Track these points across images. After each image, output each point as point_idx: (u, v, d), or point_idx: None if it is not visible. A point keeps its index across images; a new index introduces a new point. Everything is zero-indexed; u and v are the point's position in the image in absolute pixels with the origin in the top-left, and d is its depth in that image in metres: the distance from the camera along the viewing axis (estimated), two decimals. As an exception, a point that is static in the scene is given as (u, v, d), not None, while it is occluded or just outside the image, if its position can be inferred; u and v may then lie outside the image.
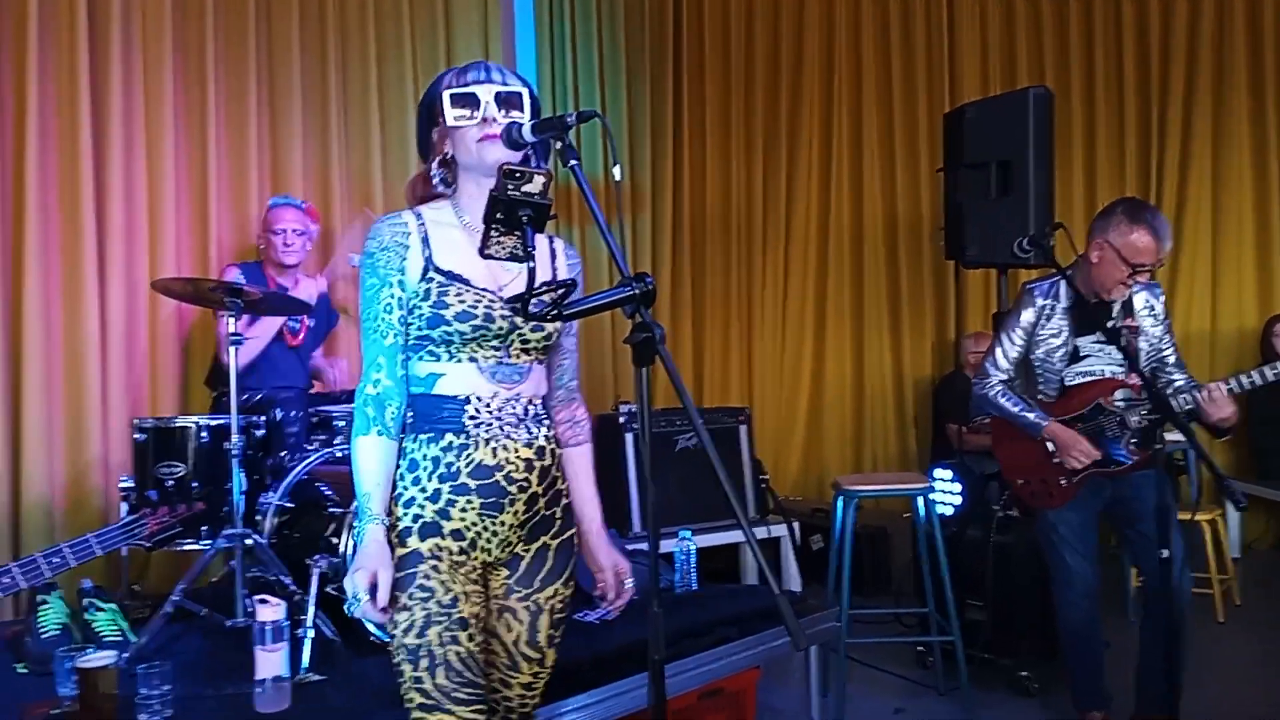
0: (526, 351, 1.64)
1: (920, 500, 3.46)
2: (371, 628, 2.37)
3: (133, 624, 2.78)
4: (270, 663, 2.24)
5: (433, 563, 1.57)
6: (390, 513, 1.59)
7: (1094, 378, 2.92)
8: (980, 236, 3.97)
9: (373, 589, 1.52)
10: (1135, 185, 5.86)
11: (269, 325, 3.54)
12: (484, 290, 1.61)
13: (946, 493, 4.37)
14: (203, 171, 3.82)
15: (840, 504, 3.48)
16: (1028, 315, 2.95)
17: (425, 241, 1.61)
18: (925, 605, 3.55)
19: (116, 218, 3.58)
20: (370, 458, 1.58)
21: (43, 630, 2.58)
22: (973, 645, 3.51)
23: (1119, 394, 2.88)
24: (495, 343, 1.61)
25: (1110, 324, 2.87)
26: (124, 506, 3.01)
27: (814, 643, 3.05)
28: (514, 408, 1.62)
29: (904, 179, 5.83)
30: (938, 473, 4.44)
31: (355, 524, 1.60)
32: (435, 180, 1.67)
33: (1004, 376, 2.99)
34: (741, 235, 5.65)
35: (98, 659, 2.13)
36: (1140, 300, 2.94)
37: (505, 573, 1.67)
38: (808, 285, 5.78)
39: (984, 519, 3.65)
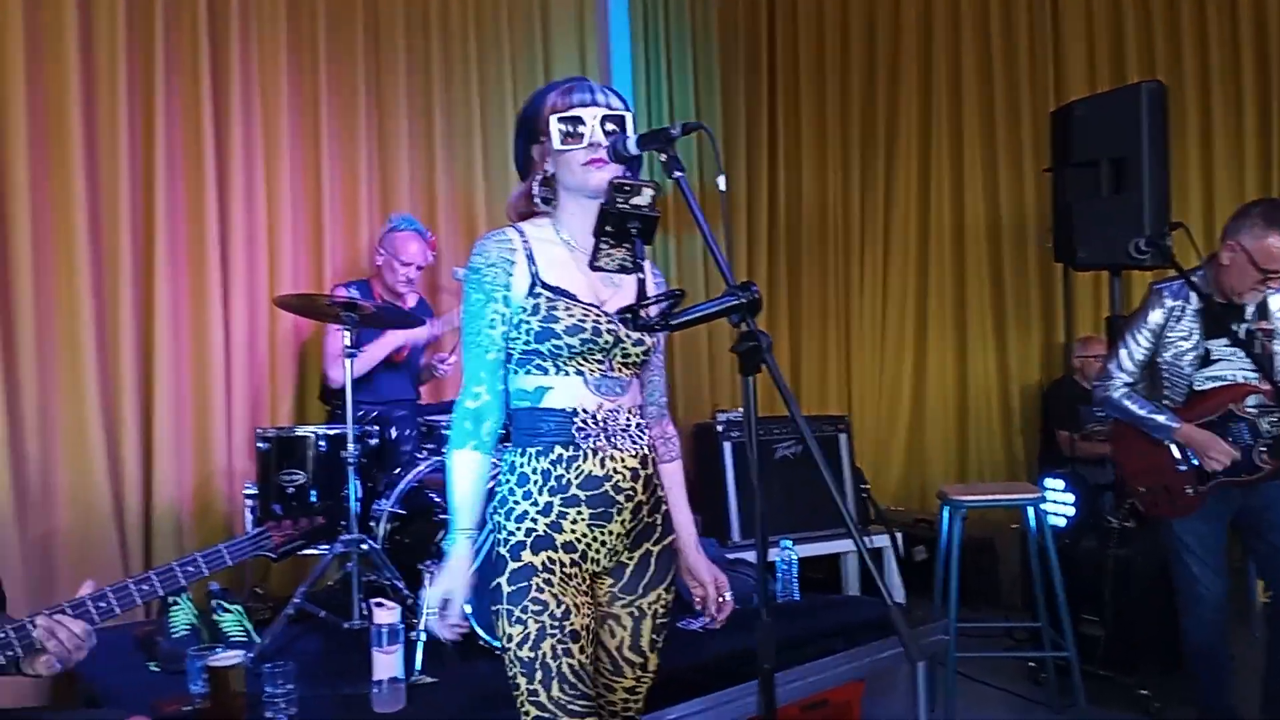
0: (627, 365, 1.68)
1: (1031, 511, 3.37)
2: (481, 633, 2.42)
3: (256, 625, 2.90)
4: (386, 664, 2.31)
5: (545, 575, 1.60)
6: (501, 527, 1.63)
7: (1224, 383, 2.79)
8: (1091, 238, 3.83)
9: (446, 604, 1.58)
10: (1255, 181, 5.56)
11: (382, 346, 3.59)
12: (590, 305, 1.65)
13: (1058, 503, 4.24)
14: (316, 191, 3.97)
15: (947, 514, 3.41)
16: (1156, 316, 2.84)
17: (530, 258, 1.65)
18: (1036, 619, 3.44)
19: (238, 237, 3.75)
20: (464, 473, 1.63)
21: (174, 630, 2.71)
22: (1089, 661, 3.40)
23: (1250, 400, 2.75)
24: (600, 356, 1.64)
25: (1243, 327, 2.75)
26: (249, 517, 3.15)
27: (923, 656, 2.99)
28: (617, 419, 1.65)
29: (1007, 179, 5.65)
30: (1049, 482, 4.31)
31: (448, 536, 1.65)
32: (537, 198, 1.71)
33: (1128, 379, 2.88)
34: (839, 240, 5.58)
35: (227, 658, 2.24)
36: (1276, 302, 2.80)
37: (610, 580, 1.70)
38: (908, 290, 5.66)
39: (1099, 530, 3.52)
